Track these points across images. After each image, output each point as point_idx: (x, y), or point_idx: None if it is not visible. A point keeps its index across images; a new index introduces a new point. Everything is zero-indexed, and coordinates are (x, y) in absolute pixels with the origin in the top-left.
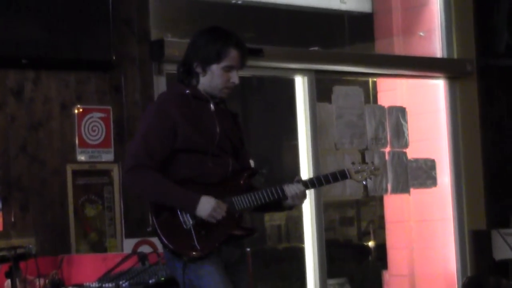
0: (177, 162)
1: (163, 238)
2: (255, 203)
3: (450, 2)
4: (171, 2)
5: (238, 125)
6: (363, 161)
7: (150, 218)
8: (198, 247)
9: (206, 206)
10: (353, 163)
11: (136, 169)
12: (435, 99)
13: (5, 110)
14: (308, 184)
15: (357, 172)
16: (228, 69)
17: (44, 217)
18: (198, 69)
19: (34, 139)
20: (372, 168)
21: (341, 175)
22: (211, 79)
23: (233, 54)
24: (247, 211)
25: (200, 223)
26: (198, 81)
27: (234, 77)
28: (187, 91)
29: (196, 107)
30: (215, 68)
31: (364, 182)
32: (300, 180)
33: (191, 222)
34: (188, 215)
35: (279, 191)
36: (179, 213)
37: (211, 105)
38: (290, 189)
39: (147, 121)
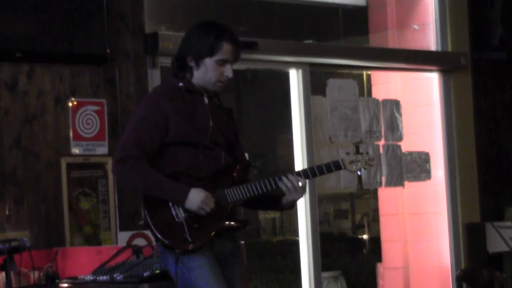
0: (169, 155)
1: (155, 231)
2: (248, 194)
3: None
4: None
5: (232, 119)
6: (358, 152)
7: (142, 211)
8: (190, 240)
9: (196, 198)
10: (347, 154)
11: (125, 160)
12: (429, 92)
13: None
14: (302, 175)
15: (352, 162)
16: (222, 63)
17: (38, 210)
18: (192, 63)
19: (28, 133)
20: (367, 158)
21: (335, 166)
22: (205, 73)
23: (226, 47)
24: (240, 204)
25: (193, 216)
26: (192, 75)
27: (228, 70)
28: (181, 85)
29: (189, 101)
30: (208, 61)
31: (359, 173)
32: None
33: (183, 215)
34: (180, 208)
35: (272, 182)
36: (171, 206)
37: (205, 99)
38: (286, 181)
39: (139, 114)
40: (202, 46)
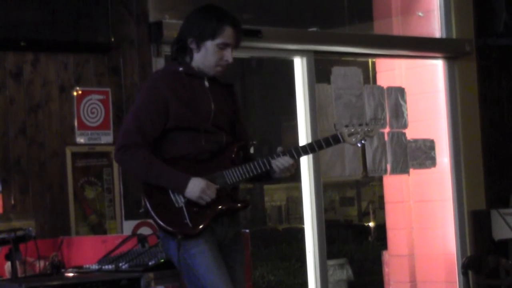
0: (170, 140)
1: (156, 218)
2: (246, 175)
3: None
4: None
5: (233, 96)
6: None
7: (142, 199)
8: (191, 225)
9: (195, 188)
10: (346, 126)
11: (126, 147)
12: (434, 79)
13: (4, 92)
14: (301, 151)
15: (351, 134)
16: (223, 46)
17: (43, 199)
18: (193, 45)
19: (33, 122)
20: (366, 129)
21: (333, 139)
22: (205, 56)
23: (228, 31)
24: (239, 184)
25: (192, 201)
26: (191, 58)
27: (228, 55)
28: (181, 69)
29: (189, 85)
30: (210, 44)
31: (359, 144)
32: (286, 151)
33: (183, 201)
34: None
35: (266, 163)
36: (170, 192)
37: (205, 82)
38: (277, 163)
39: (140, 100)
40: (204, 28)
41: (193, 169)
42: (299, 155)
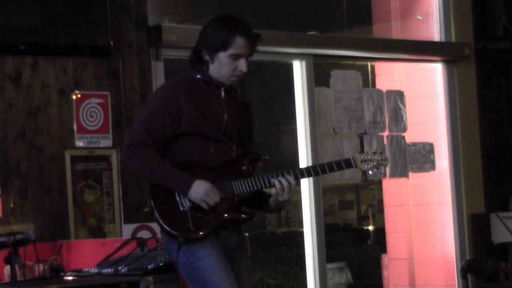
0: (180, 145)
1: (159, 219)
2: (255, 187)
3: None
4: None
5: (249, 114)
6: (361, 145)
7: (148, 199)
8: (192, 229)
9: (200, 190)
10: (360, 152)
11: (133, 146)
12: (433, 83)
13: (3, 96)
14: (311, 171)
15: (363, 161)
16: (235, 57)
17: (43, 203)
18: (207, 57)
19: (33, 125)
20: (380, 158)
21: (346, 163)
22: (219, 67)
23: (239, 42)
24: (246, 196)
25: (198, 206)
26: (208, 69)
27: (242, 65)
28: (198, 76)
29: (205, 93)
30: (222, 56)
31: (370, 172)
32: (295, 170)
33: (188, 205)
34: (185, 197)
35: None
36: (176, 195)
37: (222, 92)
38: (282, 179)
39: (153, 102)
40: (216, 40)
41: (202, 175)
42: (309, 176)
